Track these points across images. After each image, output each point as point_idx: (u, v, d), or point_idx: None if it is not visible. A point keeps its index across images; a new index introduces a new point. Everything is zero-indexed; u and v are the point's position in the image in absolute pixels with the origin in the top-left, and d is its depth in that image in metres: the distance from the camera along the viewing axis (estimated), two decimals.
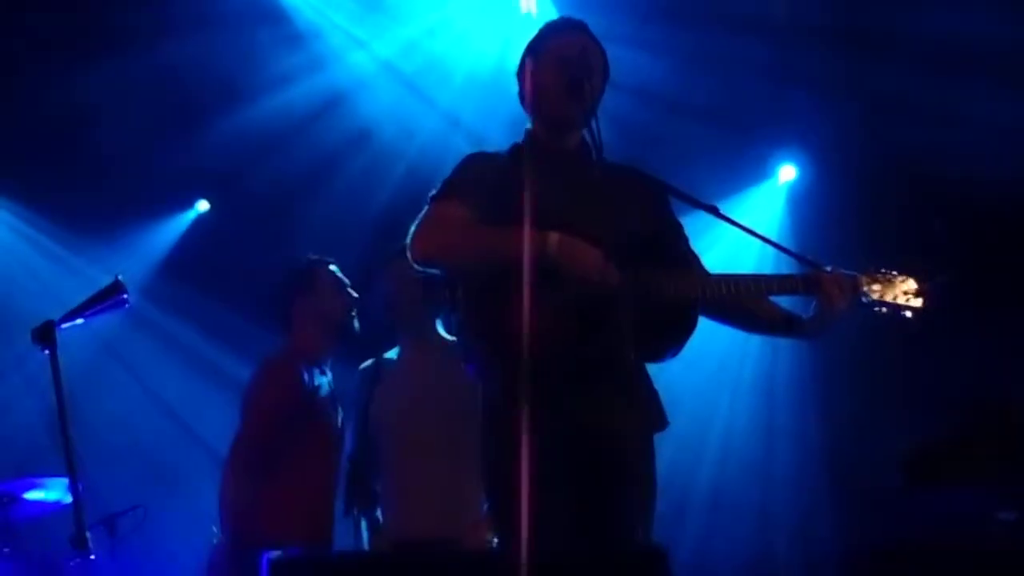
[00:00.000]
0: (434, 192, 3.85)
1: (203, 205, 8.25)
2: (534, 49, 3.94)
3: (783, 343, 6.68)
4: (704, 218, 4.01)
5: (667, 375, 3.89)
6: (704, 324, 3.83)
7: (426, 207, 3.83)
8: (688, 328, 3.73)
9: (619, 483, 3.65)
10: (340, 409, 5.31)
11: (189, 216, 8.25)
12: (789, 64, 6.98)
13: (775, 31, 6.86)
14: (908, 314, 3.92)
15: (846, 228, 7.11)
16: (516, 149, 3.97)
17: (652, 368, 3.84)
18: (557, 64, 3.84)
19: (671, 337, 3.72)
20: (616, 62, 4.05)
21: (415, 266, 3.86)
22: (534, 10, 7.15)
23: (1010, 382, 6.08)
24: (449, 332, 5.30)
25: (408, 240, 3.78)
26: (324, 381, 5.24)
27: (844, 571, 6.61)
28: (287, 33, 7.34)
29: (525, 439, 2.69)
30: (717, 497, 7.64)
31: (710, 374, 7.51)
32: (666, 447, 3.87)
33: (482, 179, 3.82)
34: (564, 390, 3.52)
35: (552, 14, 6.80)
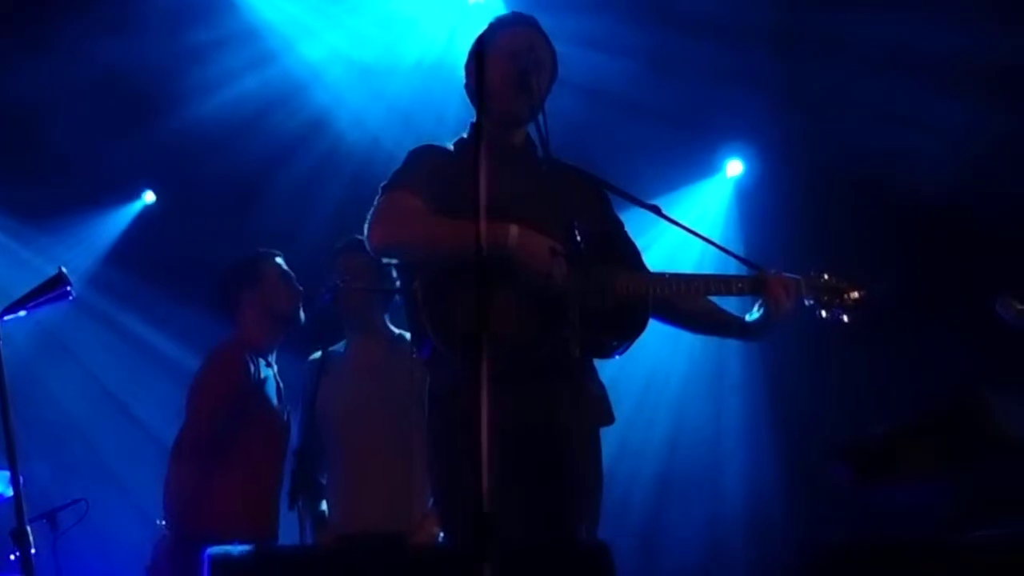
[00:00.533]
0: (386, 183, 3.86)
1: (149, 196, 8.17)
2: (482, 42, 3.91)
3: None
4: (645, 216, 4.04)
5: (614, 368, 3.92)
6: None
7: (379, 197, 3.84)
8: (638, 326, 3.75)
9: (565, 478, 3.67)
10: (286, 401, 5.30)
11: (135, 207, 8.18)
12: (735, 62, 7.00)
13: (722, 31, 6.88)
14: (845, 318, 3.97)
15: (792, 224, 7.15)
16: (462, 143, 3.99)
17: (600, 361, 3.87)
18: (505, 57, 3.83)
19: (620, 335, 3.74)
20: (564, 59, 4.06)
21: (367, 257, 3.88)
22: None
23: (954, 380, 6.14)
24: (396, 324, 5.32)
25: (366, 229, 3.79)
26: (270, 373, 5.23)
27: (797, 570, 6.66)
28: (236, 26, 7.29)
29: (484, 434, 2.69)
30: (665, 494, 7.65)
31: (659, 367, 7.52)
32: (612, 442, 3.90)
33: (432, 171, 3.83)
34: (511, 385, 3.42)
35: (499, 6, 6.83)
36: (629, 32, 7.00)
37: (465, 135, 4.02)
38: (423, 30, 7.35)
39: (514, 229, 3.59)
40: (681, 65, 7.09)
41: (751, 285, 3.90)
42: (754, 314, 3.96)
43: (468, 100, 4.05)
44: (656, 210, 3.96)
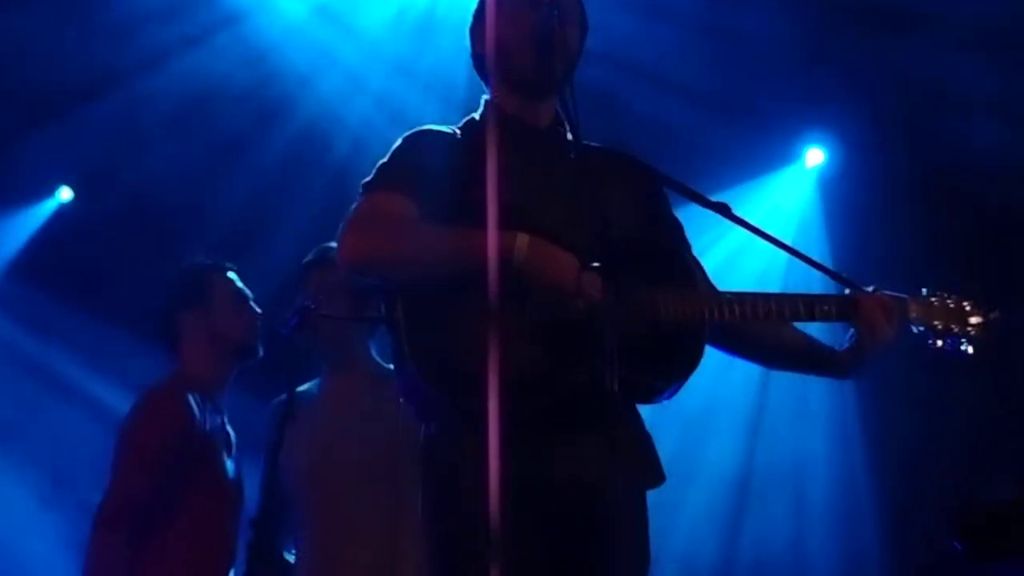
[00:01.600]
0: (368, 180, 3.82)
1: (65, 194, 8.22)
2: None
3: None
4: (711, 218, 4.02)
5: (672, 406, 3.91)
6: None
7: (358, 199, 3.80)
8: (691, 362, 3.71)
9: (601, 551, 3.61)
10: (239, 456, 5.31)
11: (48, 207, 8.23)
12: (814, 40, 7.16)
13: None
14: (968, 349, 3.93)
15: (891, 226, 7.25)
16: (472, 125, 3.95)
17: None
18: (521, 11, 3.79)
19: (669, 371, 3.70)
20: (603, 25, 4.05)
21: (343, 274, 3.85)
22: None
23: None
24: (384, 358, 5.30)
25: (336, 241, 3.74)
26: (219, 420, 5.23)
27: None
28: None
29: (494, 494, 2.68)
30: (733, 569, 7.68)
31: (719, 399, 7.57)
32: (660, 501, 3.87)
33: (428, 164, 3.78)
34: (531, 434, 3.47)
35: None
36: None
37: (476, 115, 3.98)
38: None
39: (522, 238, 3.52)
40: (746, 35, 7.19)
41: (840, 307, 3.86)
42: (846, 342, 3.94)
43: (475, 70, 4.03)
44: (724, 210, 3.92)
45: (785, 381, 7.40)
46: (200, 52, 7.44)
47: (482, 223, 3.14)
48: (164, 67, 7.43)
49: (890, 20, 7.05)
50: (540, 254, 3.55)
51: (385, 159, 3.84)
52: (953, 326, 3.93)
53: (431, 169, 3.76)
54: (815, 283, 4.35)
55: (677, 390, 3.73)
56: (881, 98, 7.35)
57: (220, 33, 7.44)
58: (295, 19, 7.54)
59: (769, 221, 7.18)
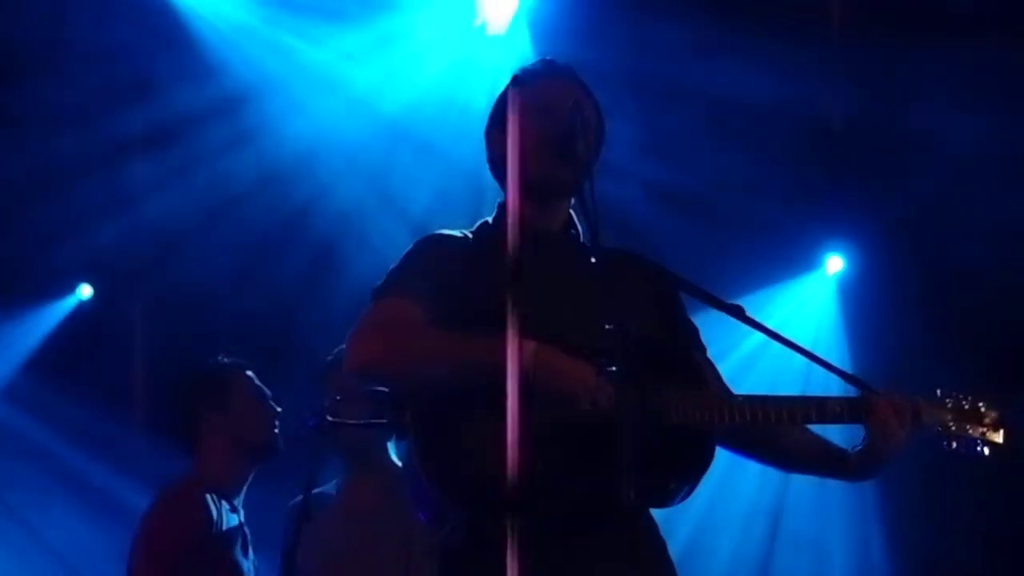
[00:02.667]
0: (378, 285, 3.81)
1: (86, 291, 8.25)
2: (510, 100, 3.89)
3: None
4: (729, 323, 4.03)
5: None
6: None
7: (368, 305, 3.80)
8: (703, 464, 3.70)
9: None
10: (255, 557, 5.30)
11: (68, 304, 8.25)
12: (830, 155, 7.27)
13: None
14: (985, 451, 3.91)
15: (911, 332, 7.26)
16: (484, 229, 3.95)
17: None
18: (541, 115, 3.78)
19: (682, 476, 3.69)
20: (623, 136, 4.07)
21: (352, 381, 3.85)
22: (501, 29, 7.32)
23: None
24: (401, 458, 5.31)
25: (345, 346, 3.74)
26: (235, 519, 5.22)
27: None
28: (212, 94, 7.48)
29: None
30: None
31: (742, 499, 7.56)
32: None
33: (439, 269, 3.77)
34: (544, 546, 3.35)
35: (524, 40, 6.98)
36: (692, 109, 7.31)
37: (490, 219, 3.98)
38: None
39: (529, 346, 3.45)
40: (767, 148, 7.29)
41: (852, 409, 3.83)
42: (858, 445, 3.91)
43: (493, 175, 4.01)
44: (738, 312, 3.93)
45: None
46: (224, 154, 7.54)
47: (492, 330, 3.13)
48: (185, 167, 7.52)
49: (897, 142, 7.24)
50: (549, 361, 3.52)
51: (395, 264, 3.84)
52: (968, 427, 3.89)
53: (442, 274, 3.74)
54: (832, 386, 4.35)
55: (690, 493, 3.71)
56: (897, 209, 7.46)
57: (247, 142, 7.58)
58: (314, 131, 7.67)
59: (789, 327, 7.19)
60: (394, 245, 3.95)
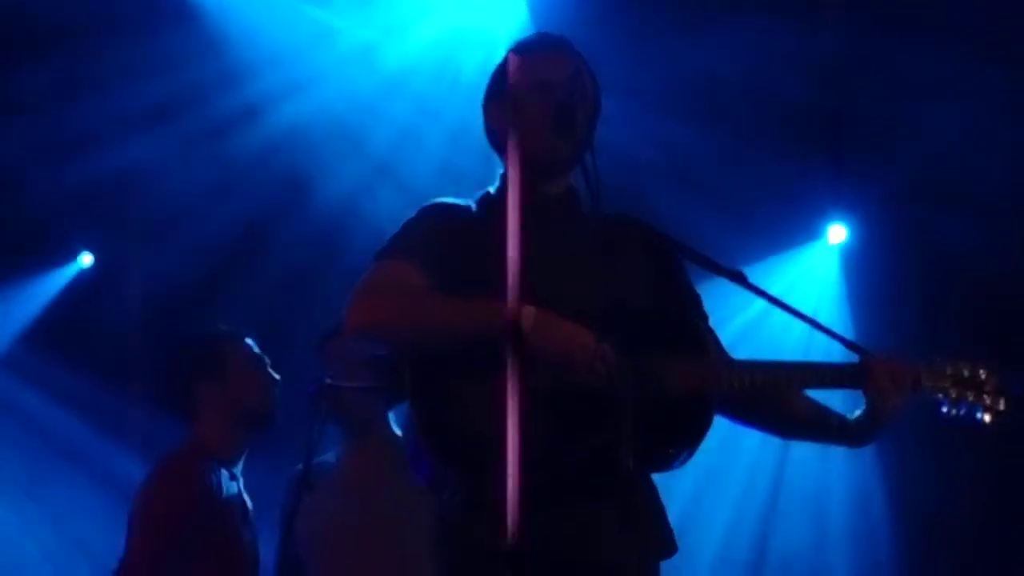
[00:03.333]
0: (380, 249, 3.83)
1: (87, 259, 8.26)
2: (505, 73, 3.87)
3: None
4: (731, 289, 4.02)
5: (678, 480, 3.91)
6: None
7: (370, 267, 3.81)
8: (701, 430, 3.70)
9: None
10: (256, 525, 5.30)
11: (67, 272, 8.25)
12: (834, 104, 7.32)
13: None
14: (985, 417, 3.90)
15: (910, 297, 7.28)
16: (487, 198, 3.95)
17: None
18: (538, 88, 3.81)
19: (681, 440, 3.69)
20: (626, 104, 4.07)
21: (352, 341, 3.85)
22: None
23: None
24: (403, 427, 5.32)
25: (346, 307, 3.74)
26: (235, 487, 5.22)
27: None
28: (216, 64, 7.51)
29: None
30: None
31: (723, 469, 7.56)
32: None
33: (442, 235, 3.79)
34: (542, 509, 3.29)
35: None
36: (694, 78, 7.34)
37: (492, 189, 3.98)
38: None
39: (528, 311, 3.45)
40: (767, 117, 7.32)
41: (851, 375, 3.84)
42: (857, 411, 3.90)
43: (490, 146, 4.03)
44: (740, 278, 3.93)
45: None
46: (231, 121, 7.60)
47: (492, 297, 3.15)
48: (192, 134, 7.57)
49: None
50: (548, 327, 3.52)
51: (399, 230, 3.86)
52: (968, 394, 3.89)
53: (444, 240, 3.76)
54: (833, 354, 4.34)
55: (688, 458, 3.72)
56: (899, 178, 7.47)
57: (248, 115, 7.62)
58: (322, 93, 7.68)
59: (791, 296, 7.19)
60: (396, 217, 3.94)
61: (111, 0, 7.40)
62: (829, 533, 7.73)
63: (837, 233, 7.93)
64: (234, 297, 7.54)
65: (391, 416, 5.42)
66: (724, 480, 7.63)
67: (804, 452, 7.48)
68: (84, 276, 8.29)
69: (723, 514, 7.76)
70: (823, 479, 7.69)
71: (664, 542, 3.80)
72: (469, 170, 5.95)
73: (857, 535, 7.67)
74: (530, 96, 3.77)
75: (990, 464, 6.95)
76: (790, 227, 7.93)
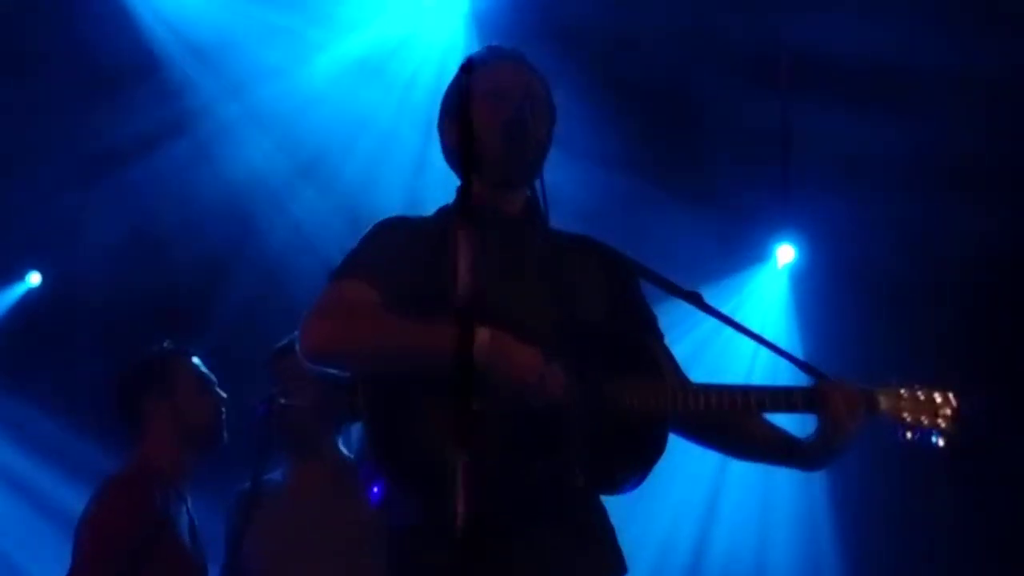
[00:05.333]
0: (335, 268, 3.80)
1: (35, 278, 8.18)
2: (458, 88, 3.85)
3: None
4: (686, 311, 4.02)
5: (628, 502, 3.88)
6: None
7: (325, 287, 3.78)
8: (655, 451, 3.68)
9: None
10: (203, 545, 5.23)
11: (15, 292, 8.19)
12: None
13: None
14: (940, 441, 3.88)
15: (865, 324, 7.33)
16: (443, 214, 3.93)
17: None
18: (491, 101, 3.80)
19: (633, 463, 3.67)
20: (575, 121, 4.06)
21: (306, 363, 3.81)
22: None
23: None
24: (350, 449, 5.27)
25: (299, 329, 3.71)
26: (183, 508, 5.16)
27: None
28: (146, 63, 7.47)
29: None
30: None
31: (682, 497, 7.57)
32: None
33: (397, 253, 3.76)
34: (494, 532, 3.33)
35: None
36: (644, 96, 7.40)
37: (449, 204, 3.94)
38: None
39: (483, 334, 3.44)
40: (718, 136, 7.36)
41: (805, 399, 3.82)
42: (811, 435, 3.89)
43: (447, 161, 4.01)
44: (696, 299, 3.93)
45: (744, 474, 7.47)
46: (176, 127, 7.62)
47: (448, 313, 3.12)
48: (139, 145, 7.54)
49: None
50: (501, 350, 3.49)
51: (354, 248, 3.83)
52: (923, 418, 3.87)
53: (400, 258, 3.73)
54: (781, 375, 4.34)
55: (641, 481, 3.70)
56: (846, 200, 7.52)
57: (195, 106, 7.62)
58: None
59: (740, 316, 7.25)
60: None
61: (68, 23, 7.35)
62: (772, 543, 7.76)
63: (785, 254, 7.96)
64: (186, 317, 7.48)
65: (338, 437, 5.38)
66: (666, 497, 7.64)
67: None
68: (31, 296, 8.23)
69: (663, 530, 7.76)
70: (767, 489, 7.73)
71: (614, 562, 3.79)
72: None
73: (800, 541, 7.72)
74: (481, 107, 3.74)
75: (936, 491, 6.99)
76: (738, 248, 7.94)
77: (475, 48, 6.65)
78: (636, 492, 3.75)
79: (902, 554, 7.25)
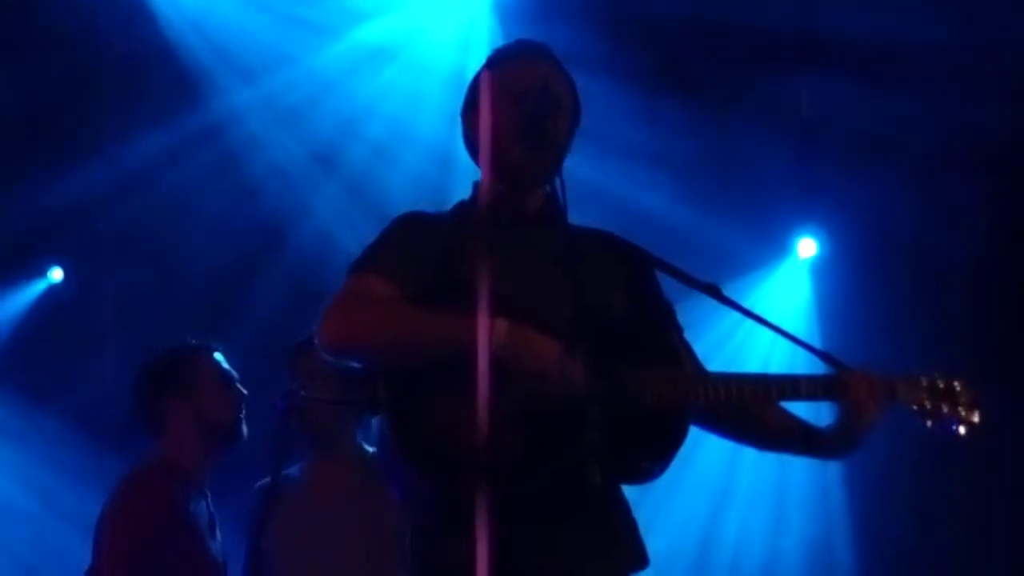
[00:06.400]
0: (353, 262, 3.78)
1: (56, 274, 8.18)
2: (481, 81, 3.85)
3: None
4: (705, 304, 4.01)
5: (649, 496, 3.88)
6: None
7: (344, 281, 3.77)
8: (675, 442, 3.66)
9: None
10: (223, 541, 5.23)
11: (37, 288, 8.19)
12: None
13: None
14: (960, 430, 3.88)
15: (890, 318, 7.30)
16: (462, 209, 3.93)
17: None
18: (511, 99, 3.78)
19: (653, 454, 3.65)
20: (597, 114, 4.05)
21: (325, 357, 3.81)
22: None
23: None
24: (370, 443, 5.27)
25: (318, 322, 3.70)
26: (202, 502, 5.16)
27: None
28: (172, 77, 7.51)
29: None
30: None
31: (702, 486, 7.60)
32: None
33: (415, 248, 3.74)
34: (514, 523, 3.42)
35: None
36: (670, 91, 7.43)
37: (467, 198, 3.95)
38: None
39: (502, 324, 3.45)
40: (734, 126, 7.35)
41: (826, 387, 3.82)
42: (832, 423, 3.87)
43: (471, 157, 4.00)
44: (714, 292, 3.92)
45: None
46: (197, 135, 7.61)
47: (466, 308, 3.18)
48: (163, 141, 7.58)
49: None
50: (520, 341, 3.48)
51: (372, 242, 3.82)
52: (943, 406, 3.87)
53: (418, 253, 3.71)
54: (803, 366, 4.32)
55: (662, 471, 3.68)
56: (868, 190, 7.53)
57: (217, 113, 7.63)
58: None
59: (762, 309, 7.26)
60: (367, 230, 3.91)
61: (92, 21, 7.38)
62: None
63: (807, 247, 7.95)
64: (209, 313, 7.50)
65: (358, 431, 5.39)
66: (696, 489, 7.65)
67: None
68: (54, 291, 8.22)
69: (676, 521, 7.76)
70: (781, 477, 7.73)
71: (635, 556, 3.76)
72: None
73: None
74: (499, 106, 3.75)
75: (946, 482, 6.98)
76: (759, 242, 7.94)
77: (496, 32, 6.71)
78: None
79: (916, 542, 7.22)
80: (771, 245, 8.03)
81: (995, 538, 7.00)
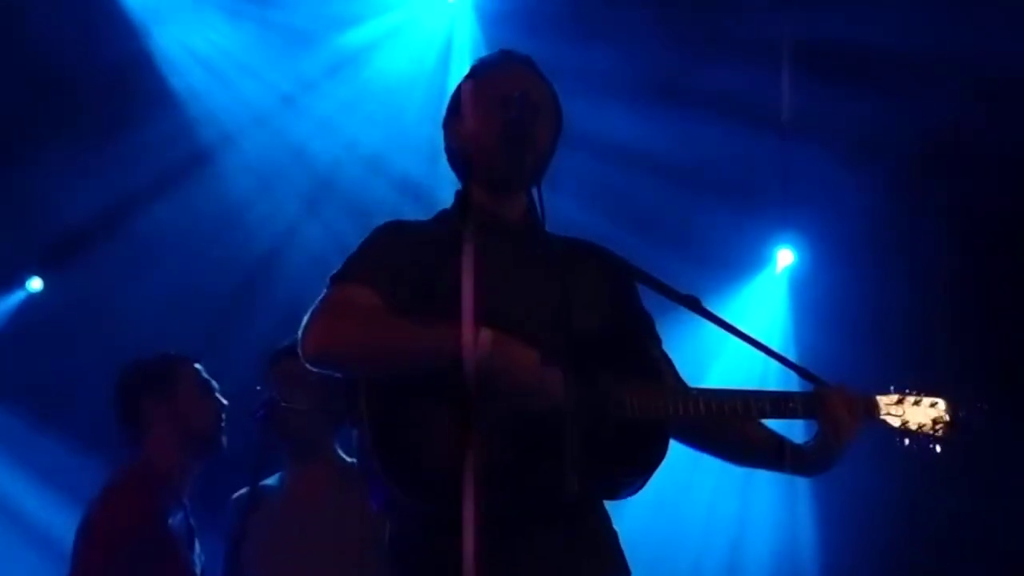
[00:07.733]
0: (335, 272, 3.77)
1: (35, 284, 8.16)
2: (464, 90, 3.87)
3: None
4: (686, 316, 3.99)
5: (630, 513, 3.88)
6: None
7: (324, 291, 3.75)
8: (655, 457, 3.67)
9: None
10: (201, 551, 5.23)
11: (14, 299, 8.17)
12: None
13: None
14: (936, 447, 3.88)
15: (866, 328, 7.29)
16: (445, 217, 3.92)
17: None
18: (492, 106, 3.79)
19: (631, 469, 3.66)
20: (578, 116, 4.05)
21: (307, 366, 3.80)
22: None
23: None
24: (348, 452, 5.26)
25: (300, 332, 3.69)
26: (181, 513, 5.16)
27: None
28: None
29: None
30: None
31: (678, 495, 7.54)
32: None
33: (397, 257, 3.74)
34: (494, 537, 3.32)
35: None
36: (649, 98, 7.40)
37: (449, 207, 3.94)
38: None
39: (485, 334, 3.44)
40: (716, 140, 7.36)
41: (805, 405, 3.82)
42: (810, 439, 3.87)
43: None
44: (694, 304, 3.92)
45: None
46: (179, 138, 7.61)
47: (448, 317, 3.17)
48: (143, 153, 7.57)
49: None
50: (504, 350, 3.47)
51: (354, 251, 3.81)
52: (920, 423, 3.89)
53: (400, 261, 3.71)
54: (778, 378, 4.33)
55: (641, 486, 3.69)
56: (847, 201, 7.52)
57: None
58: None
59: (740, 322, 7.27)
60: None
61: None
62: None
63: (785, 257, 7.95)
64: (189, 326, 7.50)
65: (336, 440, 5.36)
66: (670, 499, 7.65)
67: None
68: (32, 302, 8.20)
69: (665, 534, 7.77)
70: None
71: (616, 568, 3.77)
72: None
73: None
74: (482, 114, 3.78)
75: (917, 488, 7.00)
76: (737, 253, 7.94)
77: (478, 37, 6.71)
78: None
79: (884, 552, 7.25)
80: (750, 254, 8.02)
81: (969, 545, 7.01)
